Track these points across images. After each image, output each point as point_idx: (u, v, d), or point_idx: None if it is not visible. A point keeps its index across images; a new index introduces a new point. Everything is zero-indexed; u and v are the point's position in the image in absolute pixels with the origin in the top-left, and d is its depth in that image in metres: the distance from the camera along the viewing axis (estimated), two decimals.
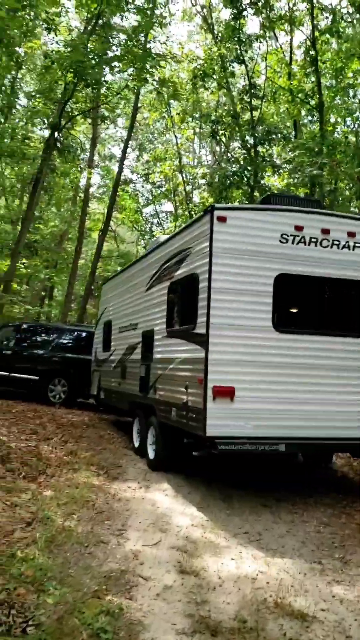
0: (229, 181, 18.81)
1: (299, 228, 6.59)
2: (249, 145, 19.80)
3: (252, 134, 18.99)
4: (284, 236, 6.56)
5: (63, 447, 8.35)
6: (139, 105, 25.66)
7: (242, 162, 19.82)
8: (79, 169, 24.35)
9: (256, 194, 18.47)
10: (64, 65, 14.53)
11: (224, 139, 21.84)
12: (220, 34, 20.81)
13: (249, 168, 18.71)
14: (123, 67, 16.01)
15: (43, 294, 32.85)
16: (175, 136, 27.59)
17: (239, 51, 19.41)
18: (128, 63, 15.56)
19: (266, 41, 20.22)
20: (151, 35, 20.29)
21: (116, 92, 18.60)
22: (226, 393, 6.15)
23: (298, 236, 6.61)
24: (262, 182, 19.52)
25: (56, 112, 19.18)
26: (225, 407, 6.12)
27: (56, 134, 18.37)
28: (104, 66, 15.91)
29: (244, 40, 19.09)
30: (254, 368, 6.32)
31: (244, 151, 20.67)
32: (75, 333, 15.30)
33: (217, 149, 27.13)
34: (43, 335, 14.94)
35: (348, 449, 7.30)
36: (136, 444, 9.13)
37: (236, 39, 18.83)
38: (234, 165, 20.28)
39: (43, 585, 3.65)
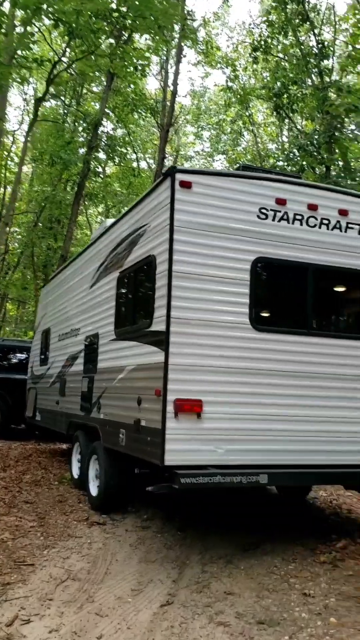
0: (299, 164, 15.84)
1: (281, 201, 5.47)
2: (318, 115, 16.91)
3: (321, 98, 15.61)
4: (263, 211, 5.45)
5: None
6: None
7: (312, 137, 16.45)
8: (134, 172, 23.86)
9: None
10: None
11: (291, 115, 18.83)
12: None
13: (318, 141, 15.48)
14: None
15: None
16: (254, 134, 26.77)
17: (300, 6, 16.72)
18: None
19: None
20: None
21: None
22: (192, 408, 5.19)
23: (280, 212, 5.52)
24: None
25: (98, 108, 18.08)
26: (190, 427, 5.15)
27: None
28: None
29: None
30: (227, 376, 5.41)
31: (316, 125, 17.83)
32: (8, 349, 13.65)
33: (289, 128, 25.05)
34: None
35: (351, 480, 5.89)
36: (75, 475, 7.74)
37: None
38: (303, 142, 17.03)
39: None
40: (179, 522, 6.43)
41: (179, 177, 5.29)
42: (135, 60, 15.45)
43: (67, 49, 15.79)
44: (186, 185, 5.30)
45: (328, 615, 4.09)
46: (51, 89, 18.20)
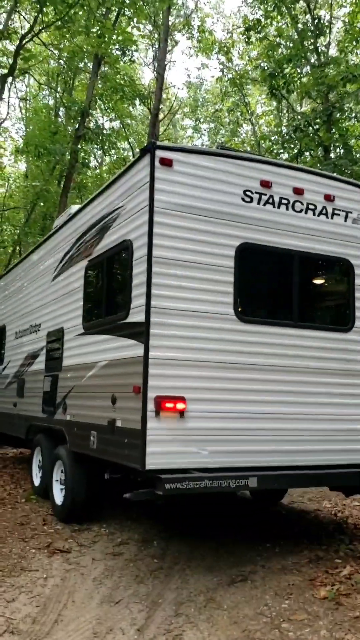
0: (297, 147, 15.32)
1: (265, 184, 5.16)
2: (315, 94, 16.23)
3: (318, 77, 14.82)
4: (248, 193, 5.13)
5: None
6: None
7: (310, 116, 15.74)
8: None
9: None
10: None
11: (287, 96, 18.05)
12: None
13: (317, 121, 14.82)
14: None
15: None
16: (252, 123, 25.98)
17: None
18: None
19: None
20: None
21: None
22: (174, 406, 4.84)
23: (265, 195, 5.22)
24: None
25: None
26: (172, 427, 4.85)
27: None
28: None
29: None
30: (212, 371, 5.08)
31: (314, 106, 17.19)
32: None
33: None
34: None
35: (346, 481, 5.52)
36: (36, 482, 7.22)
37: None
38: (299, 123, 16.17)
39: None
40: (158, 546, 5.68)
41: (159, 153, 4.89)
42: (118, 37, 14.93)
43: (37, 21, 15.03)
44: (167, 162, 4.90)
45: None
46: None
